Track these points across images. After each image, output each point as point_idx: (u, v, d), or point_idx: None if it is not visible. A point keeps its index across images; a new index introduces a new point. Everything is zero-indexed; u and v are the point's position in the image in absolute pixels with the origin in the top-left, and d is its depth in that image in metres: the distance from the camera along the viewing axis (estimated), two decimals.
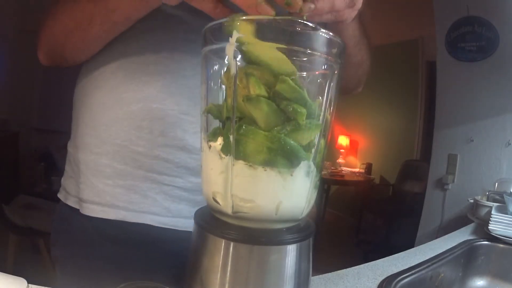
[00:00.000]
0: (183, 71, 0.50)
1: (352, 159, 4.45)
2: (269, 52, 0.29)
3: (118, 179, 0.52)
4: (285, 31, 0.29)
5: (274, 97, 0.30)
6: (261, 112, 0.30)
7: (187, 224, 0.53)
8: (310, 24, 0.30)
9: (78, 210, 0.55)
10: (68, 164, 0.62)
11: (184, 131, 0.50)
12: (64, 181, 0.62)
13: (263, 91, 0.30)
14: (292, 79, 0.30)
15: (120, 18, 0.47)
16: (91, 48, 0.53)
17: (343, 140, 4.37)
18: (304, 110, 0.30)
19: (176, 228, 0.53)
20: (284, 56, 0.30)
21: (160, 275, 0.52)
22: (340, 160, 4.36)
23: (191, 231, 0.51)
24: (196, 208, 0.50)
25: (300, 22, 0.28)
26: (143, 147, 0.50)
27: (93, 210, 0.53)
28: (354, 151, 4.44)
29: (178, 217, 0.53)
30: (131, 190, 0.52)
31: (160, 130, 0.50)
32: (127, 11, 0.45)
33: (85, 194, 0.54)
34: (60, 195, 0.61)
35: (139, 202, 0.52)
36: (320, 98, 0.33)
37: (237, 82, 0.30)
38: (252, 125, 0.30)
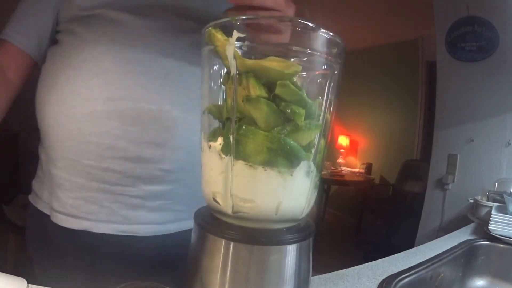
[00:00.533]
0: (125, 83, 0.52)
1: (352, 159, 4.45)
2: (264, 63, 0.30)
3: (76, 191, 0.54)
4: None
5: (274, 98, 0.30)
6: (261, 113, 0.30)
7: (145, 230, 0.56)
8: (310, 24, 0.30)
9: (49, 216, 0.57)
10: (39, 169, 0.64)
11: (129, 142, 0.52)
12: (35, 184, 0.64)
13: (263, 92, 0.30)
14: (291, 81, 0.30)
15: None
16: None
17: (343, 140, 4.37)
18: (302, 111, 0.30)
19: (135, 235, 0.55)
20: (281, 60, 0.30)
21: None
22: (340, 160, 4.36)
23: (149, 236, 0.55)
24: (153, 214, 0.55)
25: (300, 22, 0.28)
26: (93, 160, 0.52)
27: (61, 220, 0.55)
28: (354, 151, 4.44)
29: (136, 224, 0.55)
30: (89, 202, 0.54)
31: (107, 143, 0.52)
32: None
33: (54, 204, 0.57)
34: (30, 198, 0.63)
35: (98, 212, 0.54)
36: (320, 98, 0.33)
37: (237, 83, 0.30)
38: (252, 126, 0.30)
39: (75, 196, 0.54)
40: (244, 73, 0.30)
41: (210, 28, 0.32)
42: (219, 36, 0.31)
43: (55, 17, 0.58)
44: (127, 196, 0.54)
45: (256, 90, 0.29)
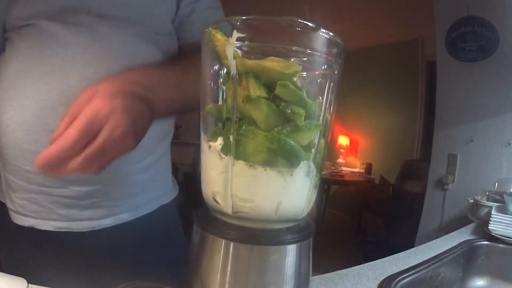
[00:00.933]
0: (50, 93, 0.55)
1: (352, 159, 4.45)
2: (264, 63, 0.30)
3: (22, 193, 0.60)
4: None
5: (274, 98, 0.30)
6: (261, 113, 0.30)
7: (80, 225, 0.61)
8: (310, 24, 0.30)
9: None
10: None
11: None
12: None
13: (263, 92, 0.30)
14: (291, 81, 0.30)
15: None
16: None
17: (343, 140, 4.37)
18: (302, 111, 0.30)
19: (71, 231, 0.61)
20: (281, 60, 0.30)
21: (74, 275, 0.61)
22: (340, 160, 4.36)
23: (84, 232, 0.61)
24: (86, 211, 0.61)
25: (300, 22, 0.28)
26: (30, 166, 0.57)
27: (13, 217, 0.62)
28: (354, 151, 4.44)
29: (71, 221, 0.61)
30: (31, 202, 0.60)
31: (39, 150, 0.54)
32: None
33: (7, 201, 0.63)
34: None
35: (40, 211, 0.60)
36: (320, 98, 0.33)
37: (237, 83, 0.30)
38: (252, 126, 0.30)
39: (21, 197, 0.60)
40: (244, 74, 0.30)
41: (210, 28, 0.32)
42: (219, 36, 0.31)
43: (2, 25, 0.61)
44: (61, 197, 0.59)
45: (256, 91, 0.29)
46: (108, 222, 0.63)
